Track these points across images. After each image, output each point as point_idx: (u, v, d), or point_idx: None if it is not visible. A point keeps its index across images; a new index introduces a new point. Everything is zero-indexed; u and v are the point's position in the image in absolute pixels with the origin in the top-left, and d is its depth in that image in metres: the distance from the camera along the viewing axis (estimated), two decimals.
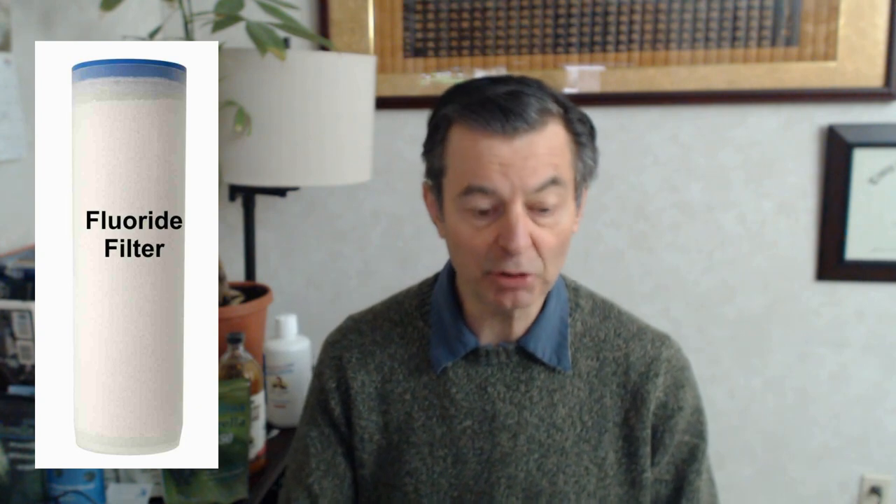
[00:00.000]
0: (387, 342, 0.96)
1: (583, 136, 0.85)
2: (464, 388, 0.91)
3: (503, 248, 0.80)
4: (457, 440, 0.91)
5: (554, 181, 0.80)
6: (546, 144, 0.80)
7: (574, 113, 0.84)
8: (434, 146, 0.86)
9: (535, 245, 0.81)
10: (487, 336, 0.92)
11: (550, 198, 0.80)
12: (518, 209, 0.79)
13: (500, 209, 0.80)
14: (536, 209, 0.80)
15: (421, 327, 0.95)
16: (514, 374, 0.91)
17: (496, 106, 0.79)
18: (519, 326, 0.91)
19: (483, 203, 0.80)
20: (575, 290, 0.97)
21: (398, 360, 0.94)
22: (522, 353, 0.91)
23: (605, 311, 0.96)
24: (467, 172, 0.80)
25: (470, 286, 0.88)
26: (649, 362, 0.92)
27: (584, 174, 0.86)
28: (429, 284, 0.99)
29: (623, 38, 1.70)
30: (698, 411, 0.95)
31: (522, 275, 0.82)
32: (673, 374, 0.93)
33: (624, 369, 0.92)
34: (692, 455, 0.94)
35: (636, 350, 0.93)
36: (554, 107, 0.82)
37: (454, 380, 0.92)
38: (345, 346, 0.97)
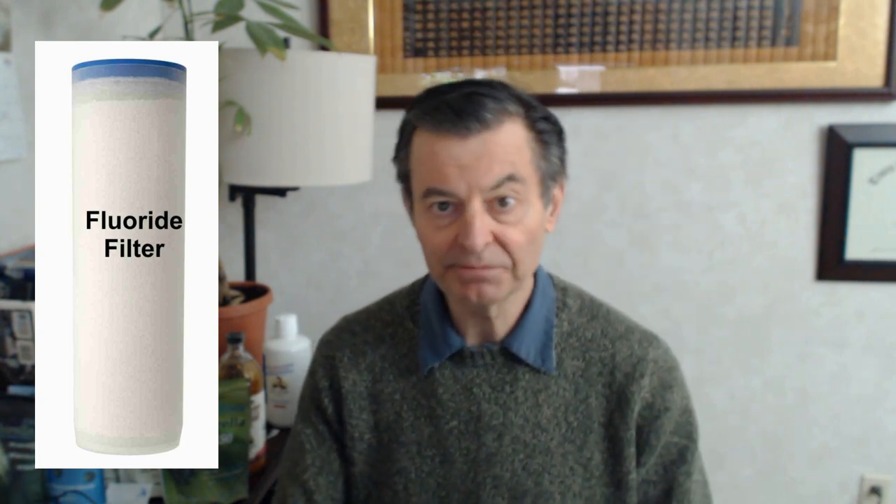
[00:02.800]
0: (378, 342, 0.97)
1: (546, 135, 0.86)
2: (450, 388, 0.92)
3: (462, 246, 0.82)
4: (444, 440, 0.92)
5: (510, 177, 0.81)
6: (501, 143, 0.81)
7: (537, 112, 0.86)
8: (400, 151, 0.89)
9: (500, 241, 0.82)
10: (472, 337, 0.93)
11: (509, 194, 0.81)
12: (475, 207, 0.81)
13: (459, 208, 0.82)
14: (497, 206, 0.82)
15: (410, 328, 0.96)
16: (499, 374, 0.92)
17: (450, 108, 0.81)
18: (500, 327, 0.92)
19: (443, 203, 0.82)
20: (563, 290, 0.97)
21: (388, 360, 0.96)
22: (507, 353, 0.92)
23: (593, 310, 0.96)
24: (427, 175, 0.83)
25: (439, 284, 0.90)
26: (635, 363, 0.92)
27: (551, 173, 0.87)
28: (419, 284, 1.00)
29: (623, 38, 1.69)
30: (687, 412, 0.95)
31: (486, 266, 0.83)
32: (660, 374, 0.93)
33: (610, 369, 0.92)
34: (681, 456, 0.94)
35: (623, 350, 0.93)
36: (513, 107, 0.83)
37: (441, 380, 0.93)
38: (337, 346, 0.98)
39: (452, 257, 0.83)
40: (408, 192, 0.90)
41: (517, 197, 0.82)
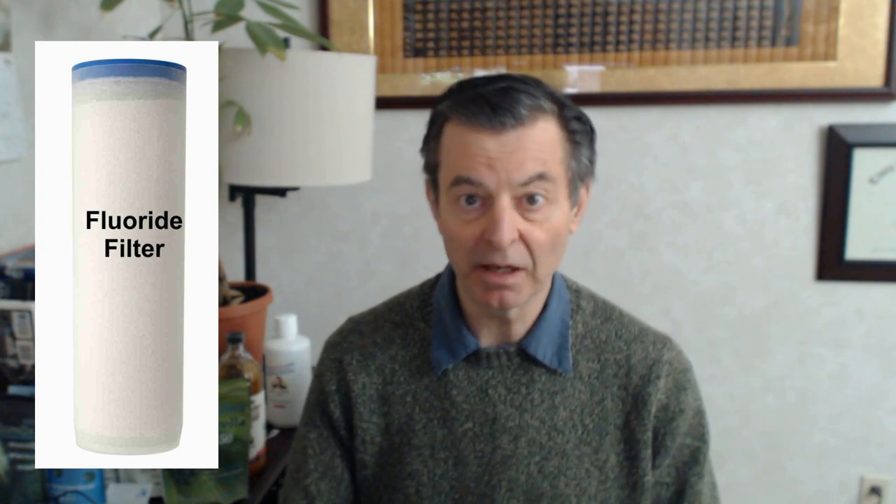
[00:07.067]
0: (387, 344, 0.95)
1: (578, 135, 0.85)
2: (464, 390, 0.91)
3: (489, 242, 0.80)
4: (458, 442, 0.91)
5: (541, 176, 0.80)
6: (534, 140, 0.80)
7: (570, 111, 0.85)
8: (429, 141, 0.88)
9: (524, 240, 0.81)
10: (487, 338, 0.92)
11: (538, 192, 0.81)
12: (504, 203, 0.80)
13: (487, 203, 0.81)
14: (525, 204, 0.81)
15: (422, 328, 0.95)
16: (515, 376, 0.91)
17: (485, 101, 0.80)
18: (518, 329, 0.91)
19: (471, 195, 0.81)
20: (577, 292, 0.97)
21: (399, 361, 0.94)
22: (523, 355, 0.91)
23: (606, 312, 0.96)
24: (456, 165, 0.82)
25: (461, 283, 0.89)
26: (650, 365, 0.92)
27: (580, 173, 0.86)
28: (430, 285, 0.99)
29: (623, 38, 1.70)
30: (700, 414, 0.95)
31: (512, 271, 0.82)
32: (674, 376, 0.93)
33: (625, 371, 0.92)
34: (694, 458, 0.94)
35: (637, 352, 0.93)
36: (547, 104, 0.82)
37: (455, 382, 0.92)
38: (345, 349, 0.97)
39: (479, 255, 0.82)
40: (433, 185, 0.89)
41: (546, 196, 0.81)
